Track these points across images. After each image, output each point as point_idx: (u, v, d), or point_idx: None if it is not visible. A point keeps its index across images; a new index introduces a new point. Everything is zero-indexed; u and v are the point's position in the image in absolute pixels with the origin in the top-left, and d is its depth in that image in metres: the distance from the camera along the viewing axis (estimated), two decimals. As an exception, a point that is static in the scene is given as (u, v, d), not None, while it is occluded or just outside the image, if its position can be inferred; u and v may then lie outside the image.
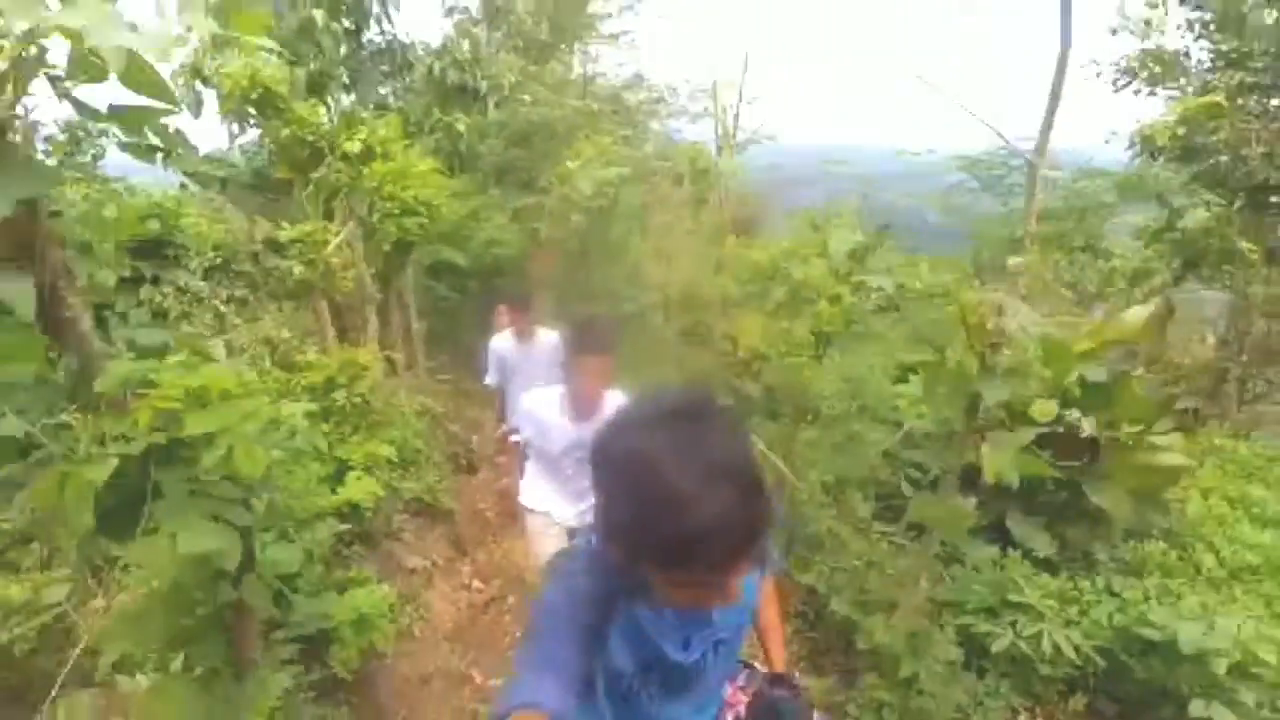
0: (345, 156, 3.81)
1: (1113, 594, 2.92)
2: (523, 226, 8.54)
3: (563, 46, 11.91)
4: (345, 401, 3.47)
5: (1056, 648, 2.62)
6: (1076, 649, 2.62)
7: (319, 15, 6.05)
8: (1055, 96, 3.51)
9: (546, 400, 2.47)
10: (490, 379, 3.77)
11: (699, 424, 0.80)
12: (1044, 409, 3.36)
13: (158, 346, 1.47)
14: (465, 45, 7.77)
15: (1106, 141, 7.13)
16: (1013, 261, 2.92)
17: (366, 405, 3.62)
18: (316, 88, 6.22)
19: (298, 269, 3.46)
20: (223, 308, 3.33)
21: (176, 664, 1.60)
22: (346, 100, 7.21)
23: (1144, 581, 2.96)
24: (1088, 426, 3.32)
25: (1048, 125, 3.49)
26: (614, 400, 2.39)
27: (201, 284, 3.34)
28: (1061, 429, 3.35)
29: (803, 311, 3.32)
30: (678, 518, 0.74)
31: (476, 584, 4.00)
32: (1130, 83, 7.12)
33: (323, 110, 4.04)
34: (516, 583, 3.84)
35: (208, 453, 1.29)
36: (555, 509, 2.57)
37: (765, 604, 1.29)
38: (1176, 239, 5.99)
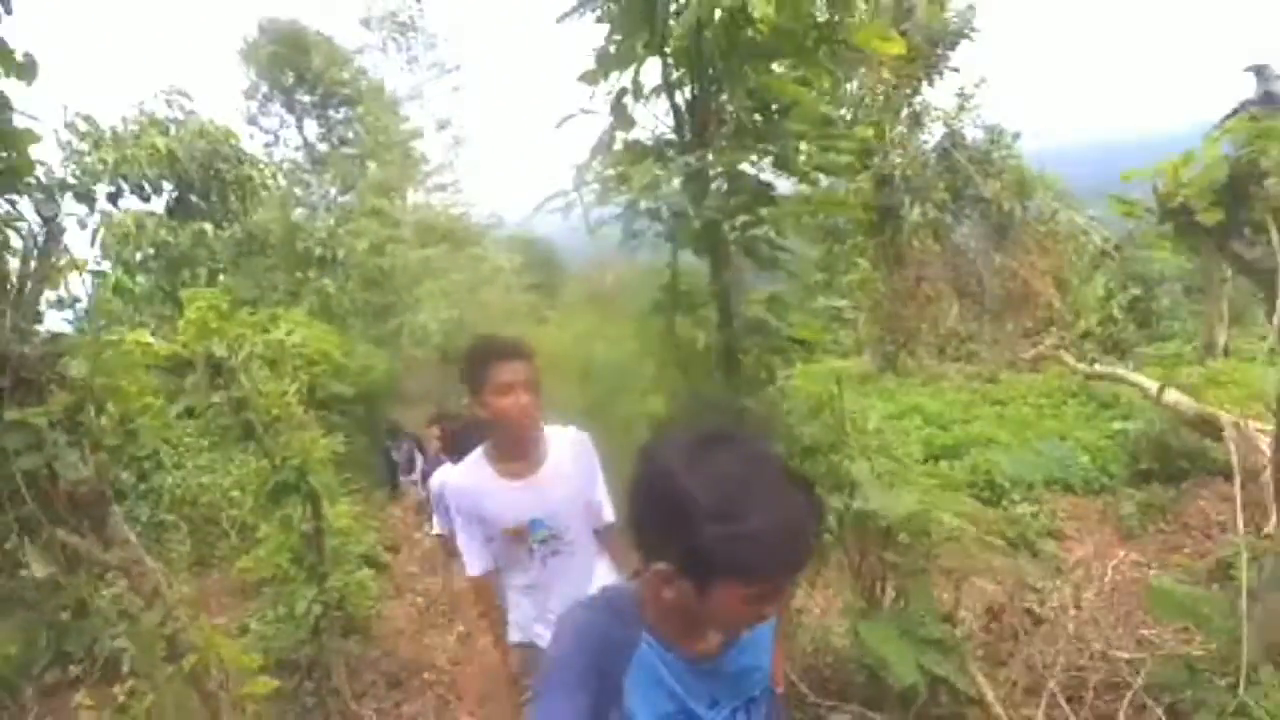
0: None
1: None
2: (384, 349, 10.65)
3: (392, 193, 14.23)
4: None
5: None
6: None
7: (208, 227, 8.06)
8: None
9: (470, 466, 1.88)
10: (442, 525, 3.08)
11: (749, 442, 0.87)
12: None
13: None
14: (318, 222, 9.86)
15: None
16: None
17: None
18: (212, 280, 8.17)
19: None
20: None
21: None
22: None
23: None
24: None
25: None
26: (559, 440, 1.86)
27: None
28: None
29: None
30: (772, 518, 0.77)
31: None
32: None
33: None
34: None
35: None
36: (541, 632, 1.86)
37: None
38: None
